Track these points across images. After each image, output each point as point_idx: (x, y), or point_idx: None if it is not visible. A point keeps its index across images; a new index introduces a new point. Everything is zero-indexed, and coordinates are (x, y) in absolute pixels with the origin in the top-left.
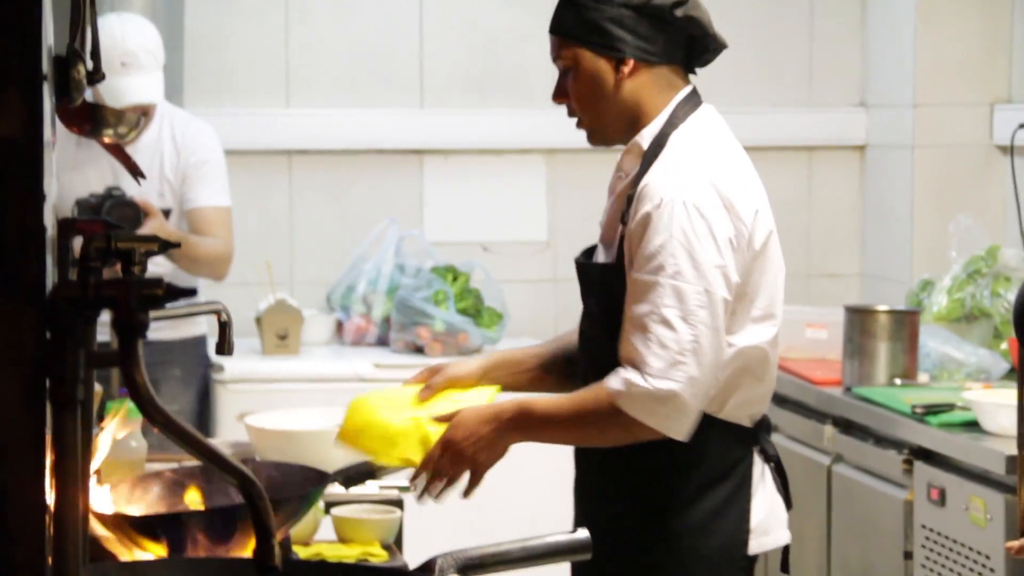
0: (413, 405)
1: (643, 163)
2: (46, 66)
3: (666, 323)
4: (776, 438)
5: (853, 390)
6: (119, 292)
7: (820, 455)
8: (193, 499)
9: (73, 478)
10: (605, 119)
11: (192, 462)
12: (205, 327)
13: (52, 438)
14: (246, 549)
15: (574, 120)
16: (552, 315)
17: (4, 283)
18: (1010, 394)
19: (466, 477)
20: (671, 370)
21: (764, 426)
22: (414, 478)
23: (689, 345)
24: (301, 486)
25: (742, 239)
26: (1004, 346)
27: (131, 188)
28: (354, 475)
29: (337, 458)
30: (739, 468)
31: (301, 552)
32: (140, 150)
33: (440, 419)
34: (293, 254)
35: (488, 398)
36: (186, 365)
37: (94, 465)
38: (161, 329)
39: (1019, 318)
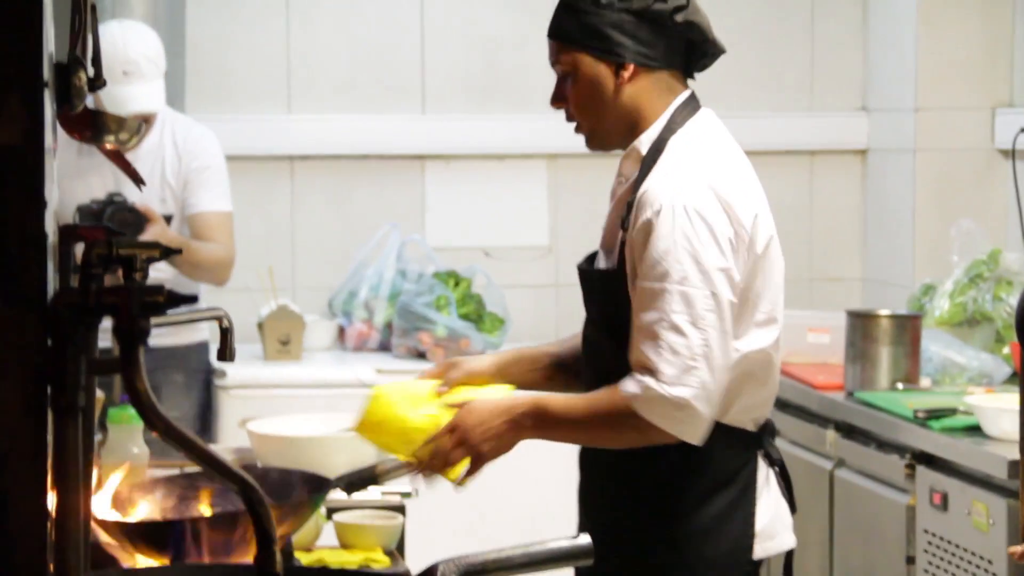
0: (431, 401)
1: (642, 168)
2: (47, 73)
3: (676, 329)
4: (778, 443)
5: (855, 394)
6: (120, 299)
7: (822, 460)
8: (195, 505)
9: (74, 484)
10: (604, 124)
11: (194, 468)
12: (207, 333)
13: (53, 444)
14: (248, 555)
15: (573, 125)
16: (554, 320)
17: (5, 290)
18: (1012, 398)
19: (464, 465)
20: (684, 376)
21: (768, 430)
22: (417, 455)
23: (700, 350)
24: (303, 492)
25: (742, 242)
26: (1006, 350)
27: (132, 194)
28: (356, 481)
29: (339, 463)
30: (744, 472)
31: (303, 558)
32: (141, 156)
33: (454, 407)
34: (295, 259)
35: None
36: (188, 371)
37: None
38: (163, 335)
39: (1021, 322)
